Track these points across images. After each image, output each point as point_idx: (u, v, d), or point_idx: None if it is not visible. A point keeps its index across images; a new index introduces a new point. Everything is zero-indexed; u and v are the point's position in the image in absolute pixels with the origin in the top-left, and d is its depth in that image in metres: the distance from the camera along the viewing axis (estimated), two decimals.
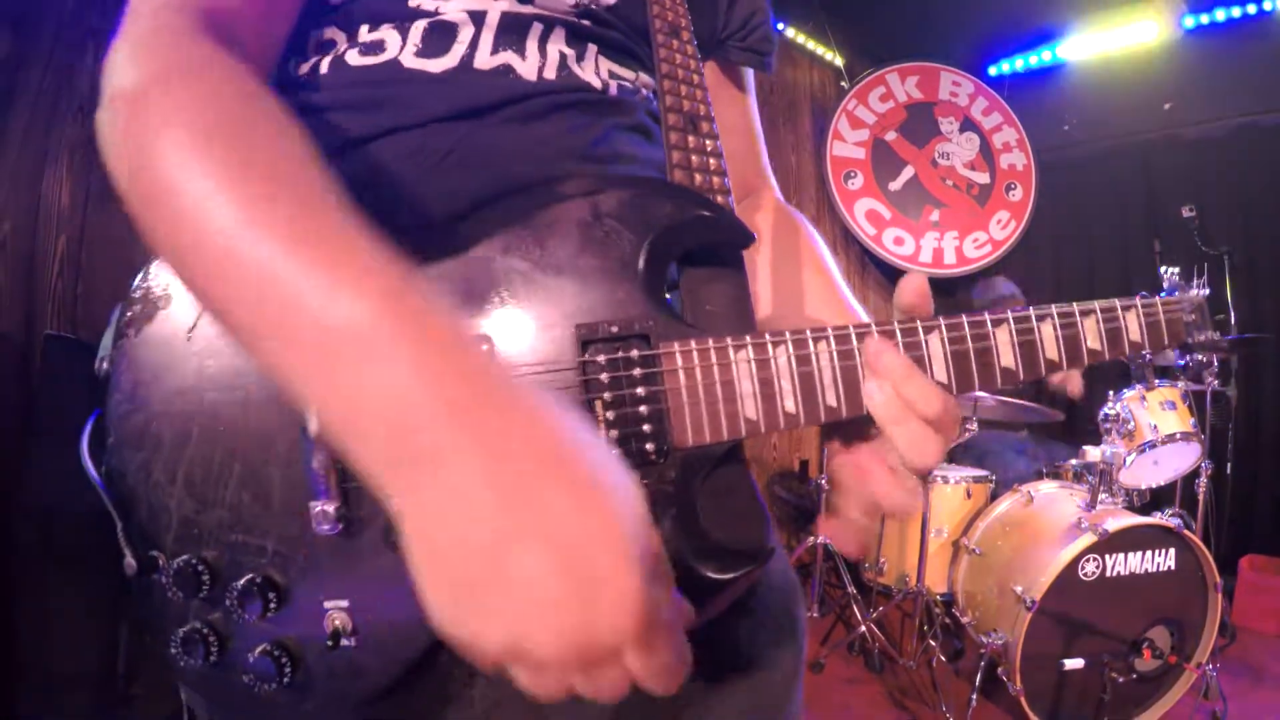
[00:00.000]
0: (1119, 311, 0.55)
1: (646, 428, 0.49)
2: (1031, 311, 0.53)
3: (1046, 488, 2.73)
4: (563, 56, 0.64)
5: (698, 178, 0.62)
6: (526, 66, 0.62)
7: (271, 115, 0.45)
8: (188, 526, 0.50)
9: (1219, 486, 3.27)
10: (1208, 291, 0.59)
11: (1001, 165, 4.75)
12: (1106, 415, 2.61)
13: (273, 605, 0.48)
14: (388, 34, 0.60)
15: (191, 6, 0.49)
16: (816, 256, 0.74)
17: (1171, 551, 2.30)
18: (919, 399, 0.48)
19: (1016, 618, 2.21)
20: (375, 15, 0.61)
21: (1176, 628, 2.30)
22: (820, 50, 4.71)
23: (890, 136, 4.70)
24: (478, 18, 0.61)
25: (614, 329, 0.50)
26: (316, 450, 0.45)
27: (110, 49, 0.47)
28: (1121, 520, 2.24)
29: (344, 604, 0.48)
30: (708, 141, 0.64)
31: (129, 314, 0.53)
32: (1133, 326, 0.55)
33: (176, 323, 0.51)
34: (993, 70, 4.93)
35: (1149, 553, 2.28)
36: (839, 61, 4.76)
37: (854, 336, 0.51)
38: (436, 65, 0.60)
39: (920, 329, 0.51)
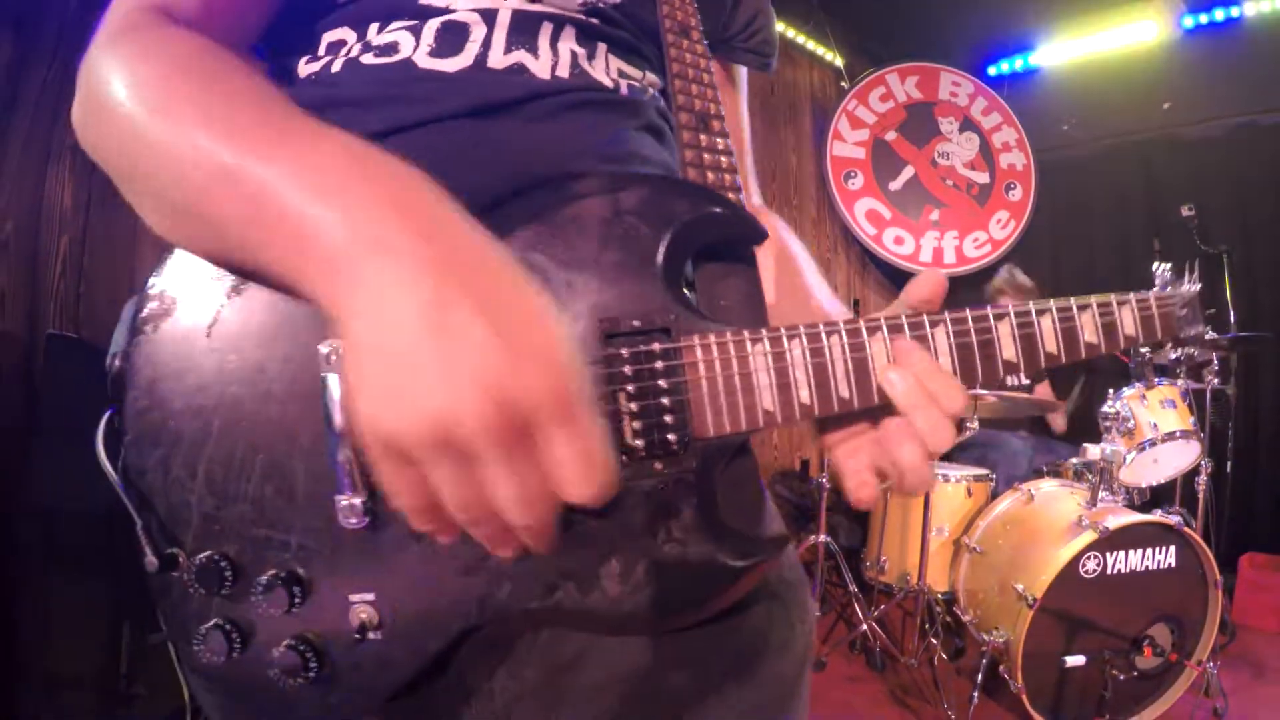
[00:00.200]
0: (1114, 306, 0.56)
1: (669, 419, 0.50)
2: (1031, 306, 0.55)
3: (1047, 486, 2.74)
4: (574, 55, 0.64)
5: (710, 176, 0.62)
6: (539, 65, 0.62)
7: (224, 54, 0.49)
8: (209, 522, 0.50)
9: (1219, 484, 3.28)
10: (1199, 286, 0.61)
11: (1001, 165, 4.77)
12: (1106, 413, 2.62)
13: (298, 599, 0.48)
14: (400, 35, 0.61)
15: (159, 3, 0.52)
16: (793, 260, 0.75)
17: (1172, 549, 2.30)
18: (943, 395, 0.50)
19: (1018, 616, 2.22)
20: (385, 14, 0.61)
21: (1177, 625, 2.31)
22: (820, 50, 4.72)
23: (890, 136, 4.72)
24: (489, 16, 0.62)
25: (636, 323, 0.50)
26: (342, 444, 0.45)
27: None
28: (1122, 518, 2.25)
29: (370, 597, 0.48)
30: (719, 140, 0.65)
31: (145, 310, 0.52)
32: (1127, 321, 0.56)
33: (196, 318, 0.52)
34: (992, 70, 4.94)
35: (1150, 550, 2.28)
36: (839, 62, 4.77)
37: (864, 330, 0.52)
38: (451, 65, 0.60)
39: (927, 322, 0.53)
